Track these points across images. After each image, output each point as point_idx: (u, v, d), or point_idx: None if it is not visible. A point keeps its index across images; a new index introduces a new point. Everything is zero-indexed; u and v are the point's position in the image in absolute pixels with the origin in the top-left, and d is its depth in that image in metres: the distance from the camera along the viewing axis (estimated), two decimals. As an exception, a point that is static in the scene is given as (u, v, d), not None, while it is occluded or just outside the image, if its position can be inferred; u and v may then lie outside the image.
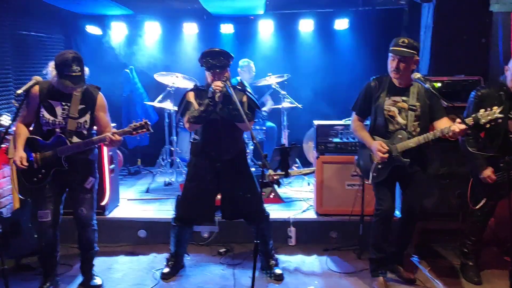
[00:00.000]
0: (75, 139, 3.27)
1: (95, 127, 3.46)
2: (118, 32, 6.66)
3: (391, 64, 3.34)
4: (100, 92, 3.41)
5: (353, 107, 3.61)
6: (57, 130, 3.24)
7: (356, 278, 3.77)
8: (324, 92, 6.55)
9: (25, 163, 3.15)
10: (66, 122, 3.24)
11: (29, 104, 3.25)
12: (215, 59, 3.40)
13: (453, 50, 4.53)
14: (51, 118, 3.23)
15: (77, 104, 3.26)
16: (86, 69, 3.24)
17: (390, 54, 3.34)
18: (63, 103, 3.25)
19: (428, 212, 4.20)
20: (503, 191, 3.36)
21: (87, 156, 3.39)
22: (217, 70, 3.40)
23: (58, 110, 3.25)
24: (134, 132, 3.20)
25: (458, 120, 3.04)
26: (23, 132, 3.26)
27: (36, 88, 3.22)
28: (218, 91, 3.30)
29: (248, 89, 3.70)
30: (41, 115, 3.23)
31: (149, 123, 3.21)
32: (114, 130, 3.26)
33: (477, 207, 3.62)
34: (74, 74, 3.10)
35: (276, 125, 6.26)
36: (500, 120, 2.97)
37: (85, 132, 3.34)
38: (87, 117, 3.32)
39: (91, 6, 6.04)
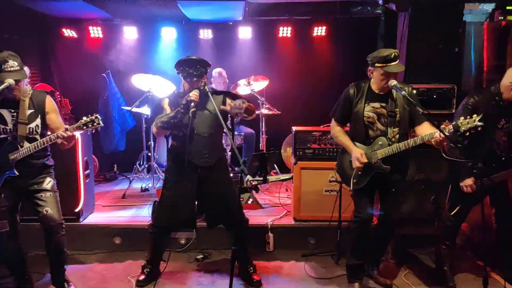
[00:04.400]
0: (27, 145, 3.23)
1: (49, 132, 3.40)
2: (95, 36, 6.57)
3: (382, 80, 3.30)
4: (47, 95, 3.39)
5: (332, 114, 3.62)
6: (9, 138, 3.22)
7: (333, 283, 3.78)
8: (302, 98, 6.60)
9: None
10: (16, 129, 3.22)
11: None
12: (192, 68, 3.39)
13: (428, 59, 4.62)
14: (1, 126, 3.23)
15: (25, 109, 3.24)
16: (26, 68, 3.25)
17: (381, 70, 3.28)
18: (12, 110, 3.23)
19: (404, 218, 4.24)
20: (477, 197, 3.42)
21: (43, 161, 3.35)
22: (194, 79, 3.39)
23: (8, 117, 3.23)
24: (84, 127, 3.16)
25: (442, 126, 3.04)
26: None
27: None
28: (193, 100, 3.29)
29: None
30: None
31: (99, 117, 3.18)
32: (67, 126, 3.22)
33: (452, 213, 3.68)
34: (11, 69, 3.11)
35: (254, 131, 6.26)
36: (480, 129, 3.00)
37: (37, 137, 3.30)
38: (38, 122, 3.29)
39: (67, 9, 5.94)
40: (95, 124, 3.17)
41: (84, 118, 3.19)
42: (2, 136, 3.24)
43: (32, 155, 3.26)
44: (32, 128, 3.27)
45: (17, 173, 3.22)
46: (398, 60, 3.28)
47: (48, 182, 3.36)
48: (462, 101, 3.56)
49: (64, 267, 3.55)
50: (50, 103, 3.37)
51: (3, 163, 3.20)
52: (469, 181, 3.47)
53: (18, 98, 3.23)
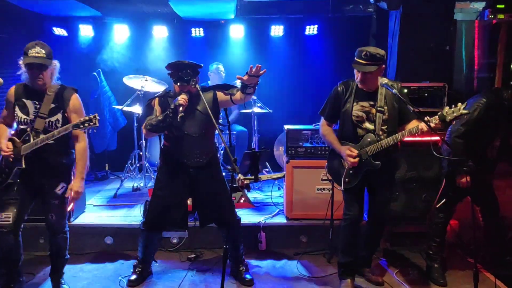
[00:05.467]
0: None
1: None
2: (85, 35, 6.51)
3: (356, 75, 3.35)
4: (75, 93, 3.35)
5: (321, 112, 3.62)
6: (28, 129, 3.21)
7: (325, 282, 3.78)
8: (294, 96, 6.60)
9: (10, 147, 3.17)
10: (35, 121, 3.20)
11: (6, 105, 3.29)
12: (182, 72, 3.37)
13: (419, 57, 4.63)
14: (23, 116, 3.22)
15: (49, 103, 3.22)
16: (56, 62, 3.25)
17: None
18: (36, 102, 3.22)
19: (396, 216, 4.27)
20: (461, 194, 3.47)
21: (61, 159, 3.30)
22: (184, 84, 3.38)
23: (31, 108, 3.22)
24: (81, 126, 3.13)
25: (427, 118, 3.07)
26: (2, 131, 3.30)
27: (12, 88, 3.27)
28: (182, 104, 3.27)
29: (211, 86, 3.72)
30: (15, 114, 3.23)
31: (97, 117, 3.15)
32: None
33: (438, 206, 3.71)
34: (36, 54, 3.10)
35: (246, 129, 6.25)
36: (466, 117, 3.03)
37: (56, 132, 3.23)
38: (59, 116, 3.25)
39: (57, 8, 5.88)
40: (92, 123, 3.14)
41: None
42: (23, 126, 3.22)
43: (46, 151, 3.20)
44: (52, 121, 3.23)
45: (24, 166, 3.17)
46: (371, 61, 3.22)
47: (60, 188, 3.30)
48: (469, 99, 3.61)
49: (63, 270, 3.54)
50: (75, 101, 3.32)
51: (16, 154, 3.17)
52: (465, 178, 3.51)
53: (44, 89, 3.21)
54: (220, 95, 3.55)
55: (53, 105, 3.23)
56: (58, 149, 3.26)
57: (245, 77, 3.28)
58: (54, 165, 3.28)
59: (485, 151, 3.60)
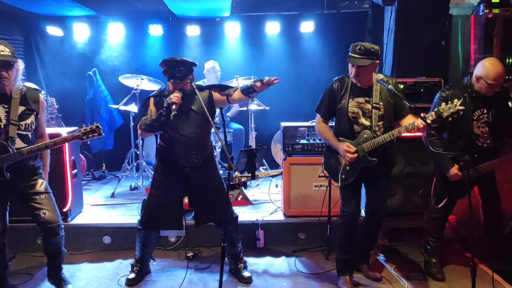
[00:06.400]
0: (19, 143, 3.14)
1: None
2: (80, 34, 6.49)
3: (350, 70, 3.34)
4: (40, 94, 3.34)
5: (316, 109, 3.61)
6: (1, 135, 3.10)
7: (323, 278, 3.78)
8: (291, 93, 6.59)
9: None
10: (8, 130, 3.11)
11: None
12: (175, 69, 3.35)
13: (415, 52, 4.64)
14: None
15: (17, 106, 3.14)
16: (20, 61, 3.16)
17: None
18: (5, 106, 3.12)
19: (393, 212, 4.28)
20: (463, 189, 3.45)
21: (33, 163, 3.27)
22: (177, 81, 3.36)
23: (1, 113, 3.11)
24: (84, 137, 3.12)
25: (423, 114, 3.07)
26: None
27: None
28: (174, 103, 3.24)
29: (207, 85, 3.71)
30: None
31: (100, 127, 3.15)
32: (65, 135, 3.16)
33: (439, 205, 3.71)
34: (1, 53, 3.00)
35: (243, 127, 6.24)
36: (461, 113, 3.02)
37: (29, 134, 3.22)
38: (32, 119, 3.21)
39: (51, 7, 5.86)
40: (96, 134, 3.13)
41: (84, 127, 3.16)
42: None
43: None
44: (28, 124, 3.18)
45: (8, 178, 3.10)
46: (365, 56, 3.21)
47: (41, 184, 3.28)
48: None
49: (62, 266, 3.52)
50: (43, 103, 3.32)
51: None
52: (454, 170, 3.51)
53: (9, 91, 3.12)
54: (216, 95, 3.54)
55: (23, 108, 3.17)
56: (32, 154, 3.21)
57: (258, 84, 3.34)
58: (27, 168, 3.24)
59: (471, 140, 3.57)
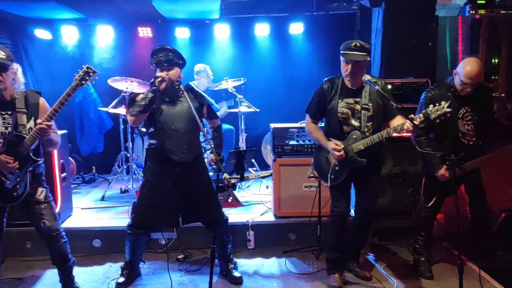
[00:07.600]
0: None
1: None
2: (69, 37, 6.46)
3: (345, 68, 3.35)
4: (41, 96, 3.28)
5: (306, 110, 3.63)
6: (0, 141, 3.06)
7: (314, 278, 3.80)
8: (280, 95, 6.62)
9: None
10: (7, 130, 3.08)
11: None
12: (163, 53, 3.35)
13: (402, 53, 4.69)
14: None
15: (22, 112, 3.10)
16: (16, 65, 3.11)
17: (342, 58, 3.36)
18: (2, 113, 3.09)
19: (382, 211, 4.31)
20: (451, 188, 3.49)
21: (33, 170, 3.22)
22: (165, 65, 3.35)
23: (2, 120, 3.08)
24: (83, 82, 3.08)
25: (412, 115, 3.11)
26: None
27: None
28: (161, 76, 3.28)
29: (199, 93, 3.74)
30: None
31: (90, 66, 3.10)
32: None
33: (429, 204, 3.75)
34: None
35: (233, 128, 6.25)
36: (449, 115, 3.06)
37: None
38: (31, 124, 3.15)
39: (39, 10, 5.83)
40: (91, 74, 3.08)
41: (76, 74, 3.10)
42: None
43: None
44: (31, 128, 3.12)
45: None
46: (361, 52, 3.25)
47: (41, 193, 3.24)
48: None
49: (72, 274, 3.49)
50: (44, 105, 3.24)
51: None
52: (442, 171, 3.55)
53: (8, 96, 3.07)
54: (205, 112, 3.64)
55: (25, 113, 3.13)
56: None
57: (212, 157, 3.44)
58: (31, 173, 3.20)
59: (457, 138, 3.61)
